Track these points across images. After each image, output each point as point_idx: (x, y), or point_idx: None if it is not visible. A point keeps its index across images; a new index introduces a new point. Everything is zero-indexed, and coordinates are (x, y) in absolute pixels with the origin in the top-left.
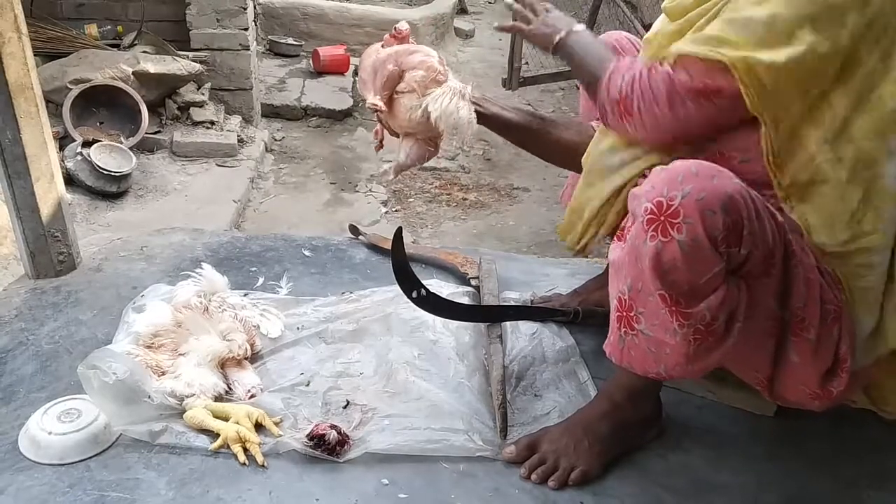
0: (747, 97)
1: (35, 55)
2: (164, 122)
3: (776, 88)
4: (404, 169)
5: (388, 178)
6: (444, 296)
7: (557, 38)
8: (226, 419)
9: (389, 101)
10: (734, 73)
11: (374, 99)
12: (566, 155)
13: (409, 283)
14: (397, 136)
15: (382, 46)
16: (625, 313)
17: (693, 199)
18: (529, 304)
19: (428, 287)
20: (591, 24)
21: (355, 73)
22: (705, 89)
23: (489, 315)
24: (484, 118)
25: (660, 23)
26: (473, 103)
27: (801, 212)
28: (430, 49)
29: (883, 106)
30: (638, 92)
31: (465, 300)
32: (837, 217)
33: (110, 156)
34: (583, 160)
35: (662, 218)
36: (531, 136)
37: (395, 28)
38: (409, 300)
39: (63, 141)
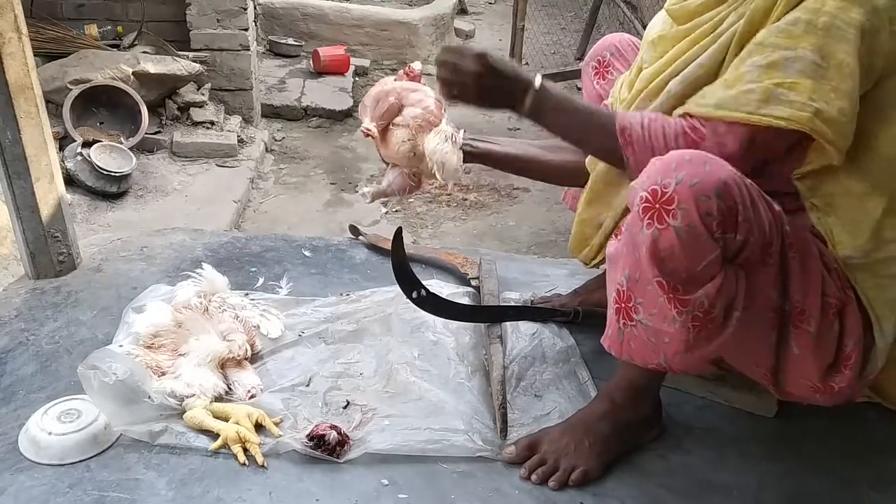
0: (835, 152)
1: (35, 55)
2: (164, 122)
3: (851, 131)
4: (382, 196)
5: (366, 202)
6: (444, 296)
7: (532, 90)
8: (226, 419)
9: (385, 131)
10: (814, 135)
11: (368, 124)
12: (567, 176)
13: (408, 284)
14: (387, 164)
15: (395, 80)
16: (623, 304)
17: (686, 185)
18: (529, 305)
19: (428, 287)
20: (591, 24)
21: (355, 73)
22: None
23: (489, 315)
24: (476, 156)
25: (661, 24)
26: (467, 142)
27: (825, 223)
28: (432, 91)
29: None
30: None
31: (466, 301)
32: (860, 226)
33: (110, 156)
34: (591, 170)
35: (657, 205)
36: (528, 166)
37: (409, 66)
38: (408, 300)
39: (63, 141)
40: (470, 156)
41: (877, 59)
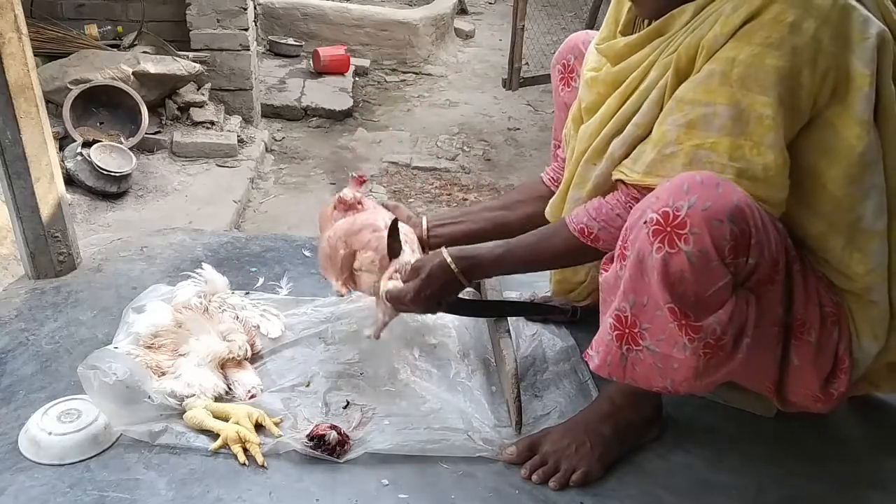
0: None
1: (35, 55)
2: (164, 122)
3: (784, 182)
4: (384, 326)
5: (375, 340)
6: None
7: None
8: (226, 419)
9: (352, 276)
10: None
11: (337, 286)
12: (534, 226)
13: None
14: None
15: (334, 208)
16: (627, 330)
17: (699, 208)
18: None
19: None
20: (591, 24)
21: (355, 73)
22: None
23: (487, 310)
24: (441, 244)
25: (596, 57)
26: (432, 233)
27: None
28: (375, 214)
29: (851, 151)
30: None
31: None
32: (830, 263)
33: (110, 156)
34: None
35: (669, 229)
36: (494, 234)
37: (340, 196)
38: None
39: (63, 141)
40: (436, 241)
41: (802, 98)
